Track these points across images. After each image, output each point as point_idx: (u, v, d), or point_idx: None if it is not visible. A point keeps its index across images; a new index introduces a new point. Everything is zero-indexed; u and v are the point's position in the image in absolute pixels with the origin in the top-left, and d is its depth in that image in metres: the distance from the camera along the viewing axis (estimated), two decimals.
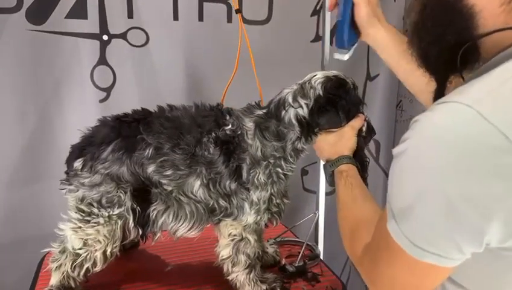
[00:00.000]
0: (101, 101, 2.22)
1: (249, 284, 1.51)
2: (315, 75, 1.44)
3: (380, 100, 2.84)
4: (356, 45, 1.45)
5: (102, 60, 2.19)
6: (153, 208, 1.45)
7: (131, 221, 1.44)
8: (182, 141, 1.40)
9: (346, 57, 1.44)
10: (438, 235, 0.76)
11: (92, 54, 2.17)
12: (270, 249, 1.74)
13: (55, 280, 1.49)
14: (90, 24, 2.13)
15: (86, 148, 1.43)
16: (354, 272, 2.68)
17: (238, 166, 1.42)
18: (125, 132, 1.42)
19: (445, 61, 0.89)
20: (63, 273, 1.47)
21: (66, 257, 1.47)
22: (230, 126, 1.43)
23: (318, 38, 2.54)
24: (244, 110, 1.50)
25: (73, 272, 1.47)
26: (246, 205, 1.45)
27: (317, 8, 2.51)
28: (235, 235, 1.49)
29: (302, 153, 1.48)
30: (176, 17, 2.27)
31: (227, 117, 1.45)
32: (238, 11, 1.79)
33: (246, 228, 1.48)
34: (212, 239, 1.57)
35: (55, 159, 2.10)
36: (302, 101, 1.41)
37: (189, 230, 1.48)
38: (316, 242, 1.99)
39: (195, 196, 1.44)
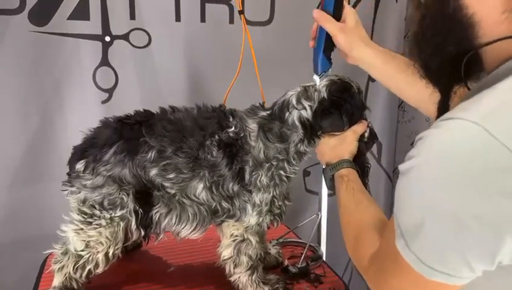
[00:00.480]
0: (103, 102, 2.22)
1: (251, 286, 1.51)
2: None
3: (382, 101, 2.83)
4: (329, 70, 1.44)
5: (105, 61, 2.19)
6: (156, 210, 1.45)
7: (133, 223, 1.44)
8: (185, 144, 1.40)
9: (318, 80, 1.44)
10: (448, 254, 0.74)
11: (94, 55, 2.17)
12: (273, 250, 1.73)
13: (57, 281, 1.49)
14: (93, 25, 2.13)
15: (88, 150, 1.43)
16: (356, 273, 2.67)
17: (241, 168, 1.42)
18: (127, 134, 1.42)
19: (448, 72, 0.87)
20: (65, 274, 1.47)
21: (68, 258, 1.47)
22: (233, 128, 1.43)
23: None
24: (247, 112, 1.49)
25: (75, 273, 1.47)
26: (249, 207, 1.45)
27: (319, 8, 2.50)
28: (236, 235, 1.49)
29: (304, 155, 1.48)
30: (178, 18, 2.26)
31: (231, 119, 1.45)
32: (241, 12, 1.79)
33: (248, 229, 1.48)
34: (214, 240, 1.57)
35: (56, 159, 2.12)
36: (306, 103, 1.41)
37: (192, 232, 1.48)
38: (319, 243, 2.00)
39: (198, 199, 1.44)
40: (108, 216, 1.42)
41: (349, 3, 2.46)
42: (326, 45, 1.38)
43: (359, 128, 1.43)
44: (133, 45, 2.22)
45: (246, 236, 1.49)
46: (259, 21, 2.40)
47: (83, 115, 2.17)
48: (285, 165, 1.45)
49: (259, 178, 1.42)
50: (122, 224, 1.43)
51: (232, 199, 1.45)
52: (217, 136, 1.41)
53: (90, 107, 2.19)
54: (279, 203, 1.49)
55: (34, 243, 2.07)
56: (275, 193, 1.46)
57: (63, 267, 1.47)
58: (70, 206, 1.45)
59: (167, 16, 2.25)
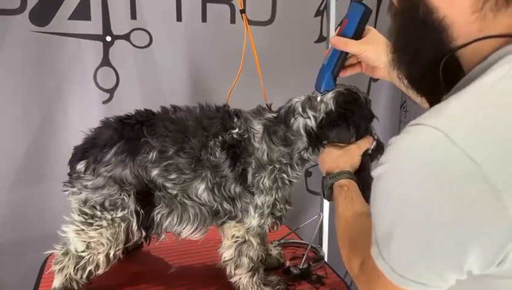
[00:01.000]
0: (104, 102, 2.22)
1: (252, 288, 1.50)
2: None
3: (384, 101, 2.83)
4: (331, 90, 1.41)
5: (106, 61, 2.19)
6: (157, 211, 1.44)
7: (134, 224, 1.42)
8: (187, 144, 1.39)
9: (319, 97, 1.42)
10: (417, 263, 0.73)
11: (95, 55, 2.17)
12: (274, 251, 1.73)
13: (58, 282, 1.48)
14: (94, 25, 2.13)
15: (89, 151, 1.42)
16: None
17: (243, 170, 1.41)
18: (128, 134, 1.40)
19: (430, 78, 0.85)
20: (65, 275, 1.47)
21: (69, 259, 1.46)
22: (237, 130, 1.41)
23: (322, 38, 2.53)
24: (253, 112, 1.48)
25: (76, 274, 1.46)
26: (251, 209, 1.44)
27: (321, 8, 2.50)
28: (237, 237, 1.48)
29: (307, 162, 1.47)
30: (179, 18, 2.26)
31: (235, 119, 1.44)
32: (243, 11, 1.78)
33: (249, 230, 1.47)
34: (215, 241, 1.56)
35: (57, 160, 2.12)
36: (310, 113, 1.39)
37: (193, 232, 1.47)
38: (320, 244, 1.99)
39: (200, 199, 1.43)
40: (110, 217, 1.41)
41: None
42: (336, 64, 1.35)
43: (364, 144, 1.41)
44: (134, 45, 2.22)
45: (247, 238, 1.48)
46: (260, 21, 2.39)
47: (83, 115, 2.17)
48: (288, 169, 1.44)
49: (262, 180, 1.41)
50: (123, 225, 1.42)
51: (233, 200, 1.44)
52: (220, 137, 1.40)
53: (91, 107, 2.19)
54: (281, 206, 1.48)
55: (34, 244, 2.07)
56: (277, 195, 1.45)
57: (63, 268, 1.46)
58: (71, 207, 1.44)
59: (168, 15, 2.26)
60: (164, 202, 1.44)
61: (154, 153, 1.39)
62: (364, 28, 1.32)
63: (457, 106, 0.70)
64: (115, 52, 2.19)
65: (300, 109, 1.41)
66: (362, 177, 1.39)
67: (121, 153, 1.39)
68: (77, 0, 2.07)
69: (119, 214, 1.41)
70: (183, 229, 1.46)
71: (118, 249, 1.45)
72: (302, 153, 1.43)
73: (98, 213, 1.41)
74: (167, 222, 1.45)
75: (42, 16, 2.04)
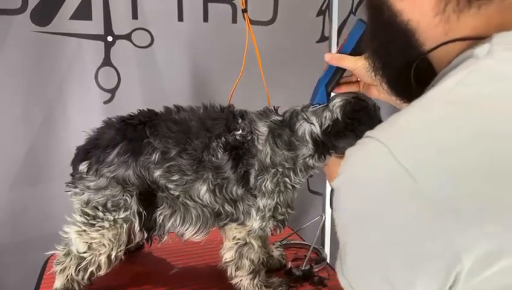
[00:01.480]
0: (106, 102, 2.21)
1: None
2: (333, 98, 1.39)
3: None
4: (323, 105, 1.39)
5: (107, 61, 2.18)
6: (160, 212, 1.43)
7: (136, 224, 1.42)
8: (190, 146, 1.38)
9: (310, 108, 1.40)
10: (369, 282, 0.68)
11: (97, 55, 2.17)
12: (276, 253, 1.72)
13: (59, 283, 1.47)
14: (95, 25, 2.13)
15: (91, 151, 1.41)
16: None
17: (246, 171, 1.40)
18: (130, 134, 1.40)
19: (404, 83, 0.81)
20: (67, 276, 1.46)
21: (71, 260, 1.45)
22: (240, 131, 1.40)
23: (324, 38, 2.53)
24: (259, 114, 1.46)
25: (77, 275, 1.45)
26: (253, 211, 1.44)
27: (323, 8, 2.50)
28: (239, 239, 1.48)
29: (312, 170, 1.46)
30: (180, 18, 2.26)
31: (239, 121, 1.43)
32: (245, 10, 1.77)
33: (251, 233, 1.47)
34: (217, 242, 1.56)
35: (58, 160, 2.12)
36: (314, 119, 1.38)
37: (195, 233, 1.46)
38: (322, 245, 1.98)
39: (202, 201, 1.43)
40: (112, 218, 1.40)
41: (352, 9, 2.49)
42: (331, 80, 1.33)
43: None
44: (135, 45, 2.22)
45: (248, 240, 1.47)
46: (262, 20, 2.39)
47: (85, 115, 2.17)
48: (291, 174, 1.43)
49: (264, 183, 1.40)
50: (125, 226, 1.42)
51: (235, 202, 1.43)
52: (223, 138, 1.39)
53: (92, 108, 2.18)
54: (283, 209, 1.47)
55: (35, 244, 2.09)
56: (278, 199, 1.43)
57: (64, 268, 1.46)
58: (74, 208, 1.44)
59: (170, 15, 2.25)
60: (167, 203, 1.43)
61: (157, 154, 1.38)
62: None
63: (406, 117, 0.65)
64: (116, 52, 2.19)
65: (304, 115, 1.40)
66: None
67: (123, 154, 1.38)
68: (78, 0, 2.07)
69: (122, 215, 1.40)
70: (186, 230, 1.45)
71: (120, 250, 1.44)
72: (307, 159, 1.41)
73: (100, 214, 1.40)
74: (169, 223, 1.44)
75: (43, 15, 2.04)
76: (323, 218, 1.84)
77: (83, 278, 1.46)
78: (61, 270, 1.46)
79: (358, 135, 1.32)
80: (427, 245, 0.59)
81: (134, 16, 2.19)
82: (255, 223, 1.45)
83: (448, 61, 0.72)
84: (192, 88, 2.33)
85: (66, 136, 2.14)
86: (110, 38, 2.16)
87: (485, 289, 0.59)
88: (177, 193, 1.41)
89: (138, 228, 1.43)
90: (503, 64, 0.64)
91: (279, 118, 1.45)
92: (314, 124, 1.38)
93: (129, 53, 2.21)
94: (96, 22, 2.13)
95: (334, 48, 1.84)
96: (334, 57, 1.30)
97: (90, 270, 1.44)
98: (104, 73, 2.19)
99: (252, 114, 1.47)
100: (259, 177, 1.40)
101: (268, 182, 1.40)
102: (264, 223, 1.45)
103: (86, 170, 1.40)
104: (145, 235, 1.46)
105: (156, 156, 1.38)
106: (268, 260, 1.65)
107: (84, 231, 1.42)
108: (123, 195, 1.39)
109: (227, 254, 1.49)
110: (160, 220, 1.44)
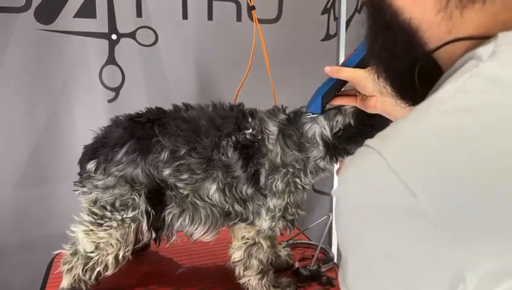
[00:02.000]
0: (110, 101, 2.19)
1: None
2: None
3: None
4: (316, 115, 1.39)
5: (111, 60, 2.16)
6: (168, 211, 1.42)
7: (144, 224, 1.40)
8: (199, 144, 1.37)
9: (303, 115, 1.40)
10: None
11: (101, 53, 2.15)
12: (283, 252, 1.71)
13: (66, 282, 1.46)
14: (99, 23, 2.11)
15: (99, 150, 1.40)
16: None
17: (256, 171, 1.39)
18: (139, 133, 1.38)
19: (410, 86, 0.76)
20: (74, 276, 1.45)
21: (78, 259, 1.44)
22: (251, 130, 1.39)
23: (329, 37, 2.52)
24: (269, 113, 1.45)
25: (84, 275, 1.44)
26: (263, 211, 1.42)
27: (328, 6, 2.48)
28: (248, 238, 1.47)
29: (323, 172, 1.45)
30: (185, 16, 2.24)
31: (249, 120, 1.41)
32: (253, 7, 1.75)
33: (260, 232, 1.45)
34: (225, 241, 1.55)
35: (63, 159, 2.12)
36: (325, 122, 1.37)
37: (204, 233, 1.45)
38: (329, 245, 1.97)
39: (211, 200, 1.41)
40: (120, 217, 1.39)
41: (357, 7, 2.47)
42: (329, 91, 1.30)
43: None
44: (139, 43, 2.20)
45: (257, 240, 1.46)
46: (267, 19, 2.37)
47: (89, 114, 2.15)
48: (301, 175, 1.41)
49: (275, 183, 1.39)
50: (133, 225, 1.40)
51: (245, 202, 1.42)
52: (233, 137, 1.38)
53: (96, 106, 2.17)
54: (293, 210, 1.46)
55: (40, 244, 2.08)
56: (289, 200, 1.42)
57: (71, 268, 1.45)
58: (81, 207, 1.43)
59: (174, 13, 2.23)
60: (175, 201, 1.42)
61: (166, 153, 1.36)
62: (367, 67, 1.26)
63: (405, 125, 0.61)
64: (120, 50, 2.17)
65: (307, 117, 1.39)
66: None
67: (132, 152, 1.37)
68: None
69: (130, 214, 1.39)
70: (195, 230, 1.44)
71: (128, 250, 1.43)
72: (319, 161, 1.40)
73: (108, 214, 1.39)
74: (178, 222, 1.43)
75: (47, 14, 2.02)
76: (331, 218, 1.82)
77: (90, 278, 1.45)
78: (68, 270, 1.45)
79: None
80: (427, 263, 0.56)
81: (139, 14, 2.17)
82: (264, 223, 1.43)
83: (453, 62, 0.68)
84: (196, 86, 2.31)
85: (70, 135, 2.13)
86: (114, 37, 2.15)
87: None
88: (186, 192, 1.40)
89: (146, 228, 1.41)
90: (507, 67, 0.60)
91: (287, 117, 1.43)
92: (325, 128, 1.37)
93: (133, 51, 2.19)
94: (101, 20, 2.11)
95: (342, 46, 1.83)
96: (333, 70, 1.26)
97: (97, 270, 1.43)
98: (108, 71, 2.17)
99: (262, 113, 1.45)
100: (269, 177, 1.39)
101: (279, 182, 1.39)
102: (273, 223, 1.44)
103: (93, 169, 1.39)
104: (153, 235, 1.44)
105: (165, 155, 1.36)
106: (276, 259, 1.64)
107: (92, 230, 1.41)
108: (131, 194, 1.38)
109: (236, 254, 1.48)
110: (169, 220, 1.42)
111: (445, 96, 0.60)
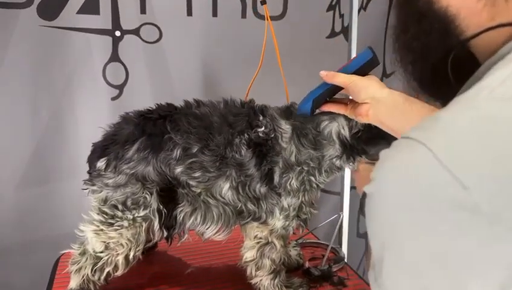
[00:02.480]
0: (114, 98, 2.16)
1: None
2: None
3: None
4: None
5: (115, 57, 2.13)
6: (180, 209, 1.39)
7: (156, 223, 1.37)
8: (212, 142, 1.34)
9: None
10: None
11: (104, 50, 2.12)
12: (293, 252, 1.68)
13: (74, 283, 1.43)
14: (103, 20, 2.08)
15: (109, 147, 1.36)
16: None
17: (270, 169, 1.36)
18: (150, 129, 1.35)
19: (441, 76, 0.74)
20: (82, 276, 1.41)
21: (86, 259, 1.41)
22: (263, 128, 1.36)
23: (334, 34, 2.50)
24: (281, 111, 1.42)
25: (93, 275, 1.41)
26: (276, 210, 1.40)
27: (333, 3, 2.46)
28: (260, 238, 1.44)
29: (338, 171, 1.42)
30: (189, 13, 2.21)
31: (261, 118, 1.38)
32: (264, 2, 1.72)
33: (273, 232, 1.43)
34: (238, 241, 1.52)
35: (66, 157, 2.09)
36: (344, 122, 1.34)
37: (216, 233, 1.42)
38: (340, 244, 1.94)
39: (224, 198, 1.39)
40: (131, 217, 1.36)
41: (362, 5, 2.45)
42: (320, 96, 1.29)
43: None
44: (143, 40, 2.17)
45: (270, 239, 1.43)
46: (272, 15, 2.34)
47: (92, 112, 2.12)
48: (316, 173, 1.39)
49: (290, 181, 1.37)
50: (144, 225, 1.37)
51: (258, 201, 1.39)
52: (246, 135, 1.35)
53: (100, 104, 2.14)
54: (307, 209, 1.43)
55: (43, 244, 2.05)
56: (303, 198, 1.40)
57: (80, 268, 1.41)
58: (91, 206, 1.39)
59: (179, 10, 2.21)
60: (187, 200, 1.39)
61: (179, 151, 1.33)
62: (366, 75, 1.25)
63: (450, 115, 0.59)
64: (124, 47, 2.14)
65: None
66: None
67: (143, 150, 1.34)
68: None
69: (141, 213, 1.36)
70: (207, 229, 1.41)
71: (138, 250, 1.40)
72: (334, 160, 1.38)
73: (119, 213, 1.36)
74: (190, 221, 1.40)
75: (50, 10, 1.99)
76: (341, 217, 1.80)
77: (99, 279, 1.42)
78: (76, 270, 1.42)
79: (391, 143, 1.28)
80: (479, 260, 0.53)
81: (143, 10, 2.14)
82: (277, 222, 1.41)
83: (494, 50, 0.66)
84: (201, 84, 2.29)
85: (73, 132, 2.10)
86: (118, 33, 2.12)
87: None
88: (198, 190, 1.37)
89: (158, 227, 1.38)
90: None
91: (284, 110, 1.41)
92: (343, 127, 1.34)
93: (137, 48, 2.16)
94: (104, 16, 2.08)
95: (355, 44, 1.80)
96: (329, 74, 1.25)
97: (107, 270, 1.40)
98: (111, 69, 2.14)
99: (273, 110, 1.42)
100: (284, 176, 1.37)
101: (293, 180, 1.37)
102: (287, 223, 1.41)
103: (104, 167, 1.36)
104: (165, 233, 1.41)
105: (177, 152, 1.33)
106: (286, 259, 1.61)
107: (102, 230, 1.38)
108: (143, 192, 1.35)
109: (248, 253, 1.45)
110: (181, 218, 1.39)
111: (494, 83, 0.58)
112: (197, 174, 1.35)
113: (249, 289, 1.50)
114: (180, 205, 1.39)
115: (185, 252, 1.75)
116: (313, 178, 1.39)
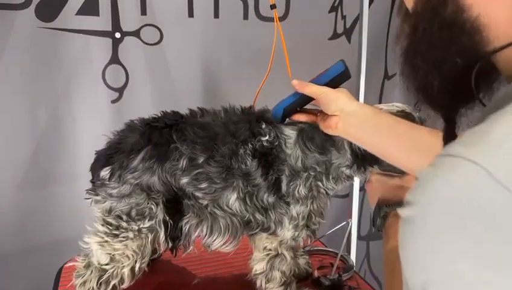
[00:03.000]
0: (113, 101, 2.12)
1: None
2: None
3: (397, 98, 2.76)
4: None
5: (115, 59, 2.09)
6: (186, 221, 1.35)
7: (162, 234, 1.34)
8: (217, 152, 1.31)
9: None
10: None
11: (104, 52, 2.08)
12: (301, 260, 1.63)
13: None
14: (102, 21, 2.04)
15: (114, 156, 1.32)
16: None
17: (277, 178, 1.32)
18: (156, 138, 1.31)
19: (452, 91, 0.70)
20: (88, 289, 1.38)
21: (91, 272, 1.37)
22: (267, 137, 1.33)
23: (336, 35, 2.46)
24: None
25: (99, 288, 1.37)
26: (286, 220, 1.36)
27: (335, 4, 2.43)
28: (270, 249, 1.40)
29: (348, 179, 1.39)
30: (190, 14, 2.17)
31: (263, 125, 1.34)
32: (273, 6, 1.68)
33: (283, 243, 1.39)
34: (242, 251, 1.49)
35: (64, 161, 2.05)
36: None
37: (224, 244, 1.38)
38: (348, 252, 1.91)
39: (231, 209, 1.35)
40: (136, 228, 1.32)
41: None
42: (291, 105, 1.28)
43: None
44: (144, 42, 2.13)
45: (280, 251, 1.40)
46: (273, 17, 2.30)
47: (92, 115, 2.08)
48: (323, 178, 1.36)
49: (297, 188, 1.33)
50: (150, 236, 1.33)
51: (266, 211, 1.36)
52: (250, 145, 1.32)
53: (99, 107, 2.10)
54: (316, 218, 1.40)
55: (42, 249, 2.02)
56: (312, 207, 1.36)
57: (85, 282, 1.37)
58: (95, 217, 1.36)
59: (179, 11, 2.17)
60: (193, 211, 1.35)
61: (185, 161, 1.30)
62: (337, 87, 1.24)
63: (500, 129, 0.54)
64: (124, 49, 2.10)
65: None
66: None
67: (149, 159, 1.30)
68: None
69: (147, 224, 1.32)
70: (214, 241, 1.37)
71: (144, 262, 1.37)
72: (344, 169, 1.34)
73: (124, 224, 1.32)
74: (196, 232, 1.36)
75: (49, 11, 1.95)
76: (350, 224, 1.75)
77: None
78: (81, 283, 1.39)
79: None
80: None
81: (143, 11, 2.10)
82: (287, 232, 1.37)
83: None
84: (202, 86, 2.25)
85: (72, 136, 2.06)
86: (118, 35, 2.07)
87: None
88: (205, 202, 1.34)
89: (163, 238, 1.35)
90: None
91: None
92: None
93: (137, 50, 2.12)
94: (104, 17, 2.04)
95: (365, 47, 1.77)
96: (300, 84, 1.25)
97: (112, 283, 1.37)
98: (111, 71, 2.10)
99: None
100: (291, 184, 1.33)
101: (301, 187, 1.33)
102: (297, 233, 1.37)
103: (108, 177, 1.32)
104: (170, 244, 1.37)
105: (183, 163, 1.30)
106: (296, 270, 1.57)
107: (107, 241, 1.34)
108: (148, 203, 1.31)
109: (258, 266, 1.41)
110: (186, 230, 1.36)
111: None
112: (203, 186, 1.31)
113: None
114: (186, 217, 1.35)
115: (189, 261, 1.69)
116: (320, 183, 1.36)
